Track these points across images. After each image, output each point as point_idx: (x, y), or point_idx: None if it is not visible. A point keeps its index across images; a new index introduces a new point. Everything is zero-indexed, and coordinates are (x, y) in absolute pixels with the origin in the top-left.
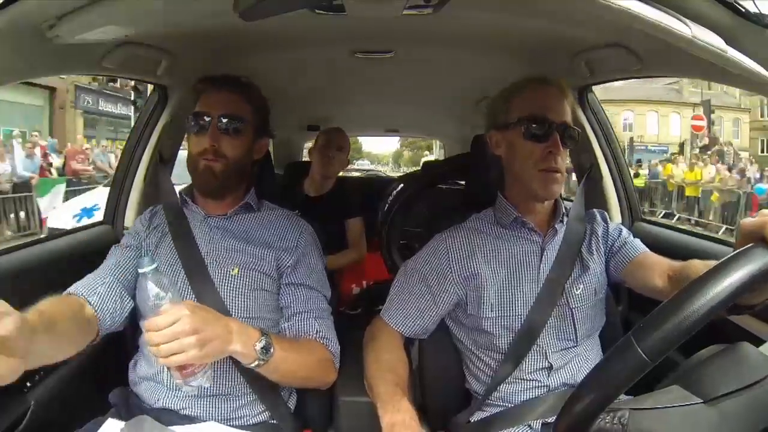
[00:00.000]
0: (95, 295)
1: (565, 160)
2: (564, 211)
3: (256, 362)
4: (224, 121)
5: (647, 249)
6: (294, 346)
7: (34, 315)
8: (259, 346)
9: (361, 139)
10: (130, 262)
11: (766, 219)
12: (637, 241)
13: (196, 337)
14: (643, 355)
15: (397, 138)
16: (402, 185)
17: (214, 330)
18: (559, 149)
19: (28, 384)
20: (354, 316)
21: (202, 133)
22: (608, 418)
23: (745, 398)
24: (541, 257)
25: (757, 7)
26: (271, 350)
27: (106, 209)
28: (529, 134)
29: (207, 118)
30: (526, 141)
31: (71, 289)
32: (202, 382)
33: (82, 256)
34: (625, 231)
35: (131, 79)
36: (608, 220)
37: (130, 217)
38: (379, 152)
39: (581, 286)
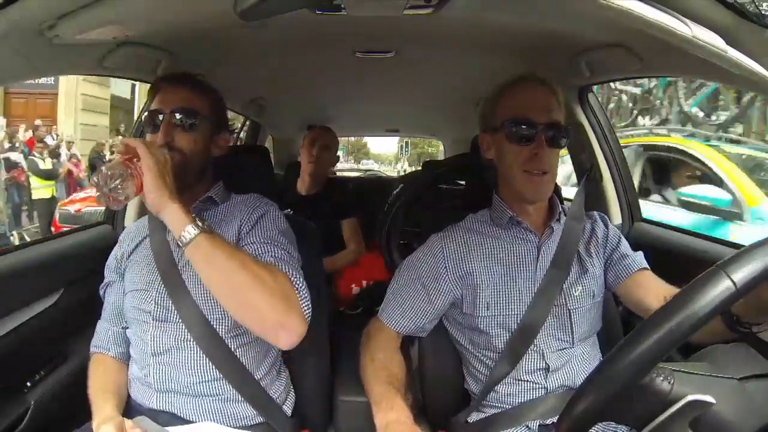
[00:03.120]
0: (112, 345)
1: (556, 160)
2: (561, 210)
3: (188, 231)
4: (177, 115)
5: (647, 266)
6: (242, 251)
7: (116, 401)
8: (194, 217)
9: (367, 141)
10: (120, 299)
11: None
12: (639, 256)
13: (161, 158)
14: (733, 283)
15: (396, 143)
16: (402, 185)
17: (170, 183)
18: (545, 150)
19: (28, 384)
20: (354, 316)
21: (156, 131)
22: (657, 374)
23: None
24: (538, 257)
25: (757, 7)
26: (207, 224)
27: (106, 209)
28: (513, 137)
29: (160, 116)
30: (512, 144)
31: (93, 349)
32: (115, 182)
33: (82, 256)
34: (625, 242)
35: (131, 79)
36: (609, 224)
37: (130, 217)
38: (381, 152)
39: (580, 287)
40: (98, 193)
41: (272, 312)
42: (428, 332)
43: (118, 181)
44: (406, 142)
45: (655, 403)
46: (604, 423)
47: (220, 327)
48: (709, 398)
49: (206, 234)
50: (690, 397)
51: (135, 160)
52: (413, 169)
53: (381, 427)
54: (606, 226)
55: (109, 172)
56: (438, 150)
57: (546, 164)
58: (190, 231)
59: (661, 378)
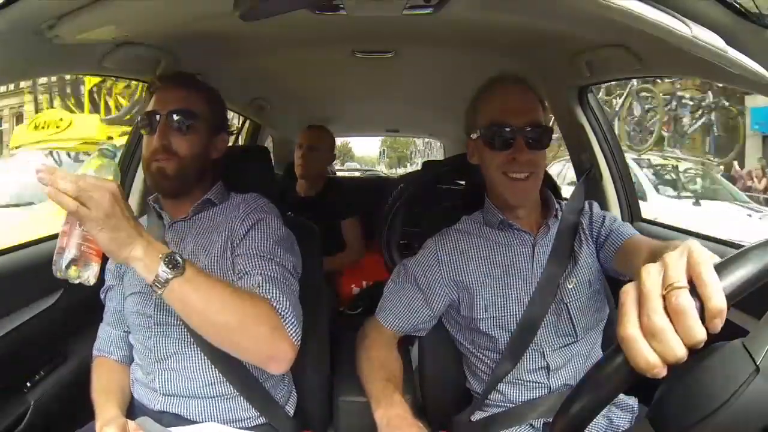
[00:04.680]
0: (115, 348)
1: (540, 162)
2: (558, 206)
3: (159, 277)
4: (174, 117)
5: (636, 233)
6: (221, 283)
7: (119, 402)
8: (165, 258)
9: (352, 146)
10: (120, 302)
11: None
12: (625, 227)
13: (108, 206)
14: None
15: (378, 147)
16: (402, 185)
17: (127, 224)
18: (525, 154)
19: (28, 384)
20: (354, 316)
21: (152, 134)
22: None
23: None
24: (533, 256)
25: (757, 7)
26: (180, 265)
27: None
28: (491, 143)
29: (157, 117)
30: (492, 150)
31: (96, 352)
32: (80, 274)
33: None
34: (609, 218)
35: (131, 79)
36: (595, 207)
37: None
38: (365, 155)
39: (573, 280)
40: (74, 279)
41: (259, 346)
42: (426, 332)
43: (74, 268)
44: (384, 150)
45: None
46: (609, 411)
47: None
48: None
49: (179, 278)
50: None
51: (78, 224)
52: (392, 170)
53: (382, 424)
54: (591, 209)
55: (62, 264)
56: (408, 150)
57: (527, 167)
58: (161, 276)
59: None
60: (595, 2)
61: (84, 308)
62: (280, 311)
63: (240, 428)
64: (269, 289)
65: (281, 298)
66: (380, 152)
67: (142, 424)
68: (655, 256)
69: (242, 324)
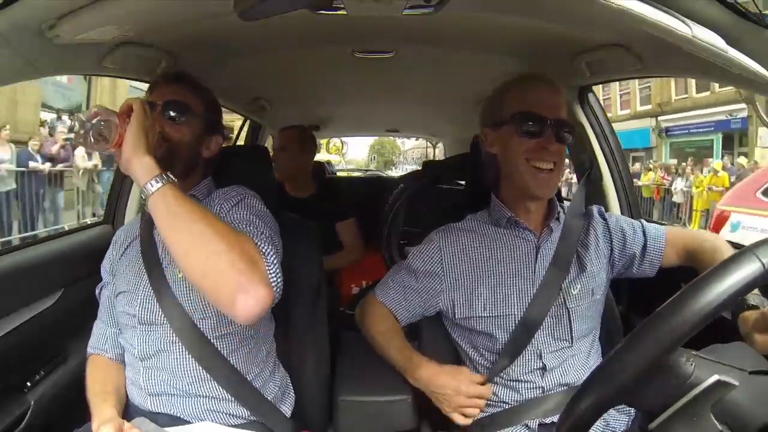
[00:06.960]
0: (109, 346)
1: (562, 158)
2: (561, 209)
3: (152, 181)
4: (169, 107)
5: (664, 233)
6: (208, 210)
7: (115, 403)
8: (163, 173)
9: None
10: (112, 300)
11: None
12: (652, 229)
13: (151, 125)
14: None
15: (366, 153)
16: (402, 185)
17: (149, 145)
18: (554, 145)
19: (28, 384)
20: (354, 316)
21: None
22: (681, 355)
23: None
24: (536, 257)
25: (757, 7)
26: (174, 179)
27: (106, 209)
28: (523, 131)
29: (152, 109)
30: (521, 137)
31: (90, 350)
32: (98, 121)
33: (82, 256)
34: (629, 229)
35: (132, 79)
36: (606, 216)
37: (130, 217)
38: (356, 158)
39: (579, 286)
40: (81, 131)
41: (232, 271)
42: (423, 317)
43: (102, 123)
44: (374, 156)
45: (676, 386)
46: (606, 414)
47: (204, 327)
48: (733, 380)
49: (173, 185)
50: (717, 377)
51: (127, 119)
52: (379, 172)
53: (425, 378)
54: (604, 218)
55: (96, 110)
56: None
57: (554, 157)
58: (158, 180)
59: (684, 359)
60: (595, 2)
61: (83, 308)
62: (262, 249)
63: (233, 426)
64: (254, 235)
65: (265, 244)
66: (371, 158)
67: (138, 425)
68: (687, 250)
69: (221, 238)
